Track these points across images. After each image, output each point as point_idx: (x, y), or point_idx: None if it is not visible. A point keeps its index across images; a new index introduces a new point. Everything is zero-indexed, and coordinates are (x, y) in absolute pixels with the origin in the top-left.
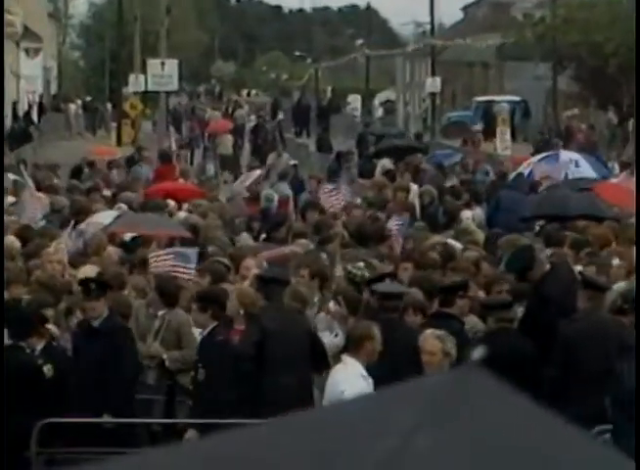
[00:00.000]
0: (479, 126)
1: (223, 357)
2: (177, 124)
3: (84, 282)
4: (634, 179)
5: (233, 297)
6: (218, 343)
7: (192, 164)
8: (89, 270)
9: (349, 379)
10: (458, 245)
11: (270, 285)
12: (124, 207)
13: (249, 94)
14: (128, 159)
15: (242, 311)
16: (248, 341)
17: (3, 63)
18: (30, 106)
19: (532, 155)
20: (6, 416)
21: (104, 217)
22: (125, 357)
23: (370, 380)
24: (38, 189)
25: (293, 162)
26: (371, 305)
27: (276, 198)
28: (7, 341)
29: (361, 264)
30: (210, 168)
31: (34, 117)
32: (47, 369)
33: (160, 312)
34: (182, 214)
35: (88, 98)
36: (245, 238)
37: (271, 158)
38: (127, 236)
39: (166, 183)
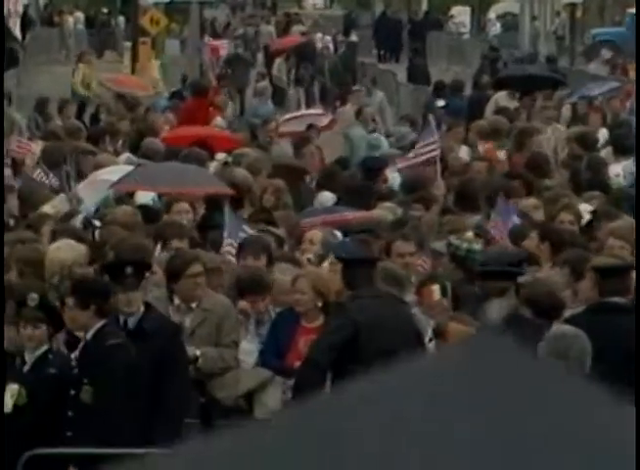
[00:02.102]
0: (606, 53)
1: (117, 369)
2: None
3: (114, 265)
4: None
5: (303, 284)
6: (108, 349)
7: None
8: (66, 249)
9: None
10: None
11: (357, 268)
12: (134, 159)
13: (331, 3)
14: (173, 94)
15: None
16: (325, 340)
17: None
18: (10, 16)
19: None
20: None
21: (113, 173)
22: (183, 369)
23: None
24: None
25: (441, 102)
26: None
27: (386, 145)
28: None
29: (469, 235)
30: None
31: (17, 32)
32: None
33: (194, 303)
34: (213, 165)
35: (97, 10)
36: (326, 198)
37: (357, 95)
38: (142, 198)
39: (193, 127)
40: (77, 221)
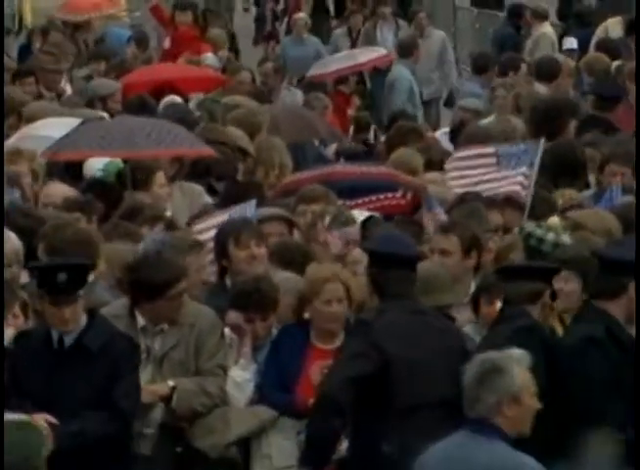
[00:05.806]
0: None
1: None
2: None
3: (42, 269)
4: None
5: (339, 289)
6: None
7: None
8: None
9: None
10: None
11: (395, 269)
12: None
13: None
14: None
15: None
16: (343, 370)
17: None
18: None
19: None
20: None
21: (58, 128)
22: (133, 384)
23: None
24: None
25: (571, 42)
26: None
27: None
28: None
29: (555, 221)
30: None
31: None
32: None
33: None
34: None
35: None
36: None
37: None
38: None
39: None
40: None
